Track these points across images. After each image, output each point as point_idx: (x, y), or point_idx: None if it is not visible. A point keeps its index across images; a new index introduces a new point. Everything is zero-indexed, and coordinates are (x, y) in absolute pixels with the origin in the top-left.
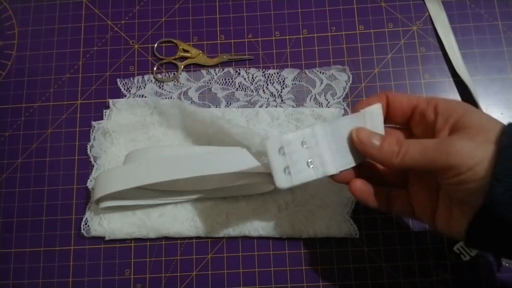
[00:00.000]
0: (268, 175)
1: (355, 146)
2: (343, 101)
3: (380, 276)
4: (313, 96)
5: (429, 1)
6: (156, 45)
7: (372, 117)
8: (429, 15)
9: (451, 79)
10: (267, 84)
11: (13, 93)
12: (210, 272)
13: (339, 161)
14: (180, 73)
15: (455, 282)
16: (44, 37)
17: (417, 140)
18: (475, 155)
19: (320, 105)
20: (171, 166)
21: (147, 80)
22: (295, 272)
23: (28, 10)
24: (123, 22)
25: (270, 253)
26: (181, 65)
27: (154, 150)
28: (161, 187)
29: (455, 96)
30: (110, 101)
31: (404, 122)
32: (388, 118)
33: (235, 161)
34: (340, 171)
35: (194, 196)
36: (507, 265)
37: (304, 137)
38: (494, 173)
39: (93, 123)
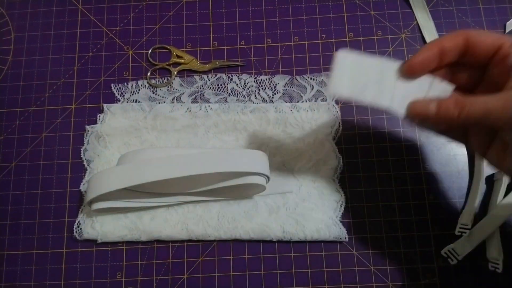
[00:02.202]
0: (261, 175)
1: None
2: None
3: (369, 279)
4: (304, 102)
5: (417, 10)
6: (150, 51)
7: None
8: (417, 23)
9: None
10: (259, 90)
11: (9, 97)
12: (201, 275)
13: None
14: (174, 79)
15: (443, 285)
16: (40, 42)
17: (478, 98)
18: None
19: (312, 110)
20: (162, 166)
21: (141, 85)
22: (285, 275)
23: (25, 16)
24: (118, 28)
25: (260, 256)
26: (175, 71)
27: (147, 152)
28: (153, 189)
29: None
30: (105, 105)
31: (483, 63)
32: (466, 59)
33: (227, 160)
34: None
35: (186, 199)
36: (493, 269)
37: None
38: None
39: (87, 127)
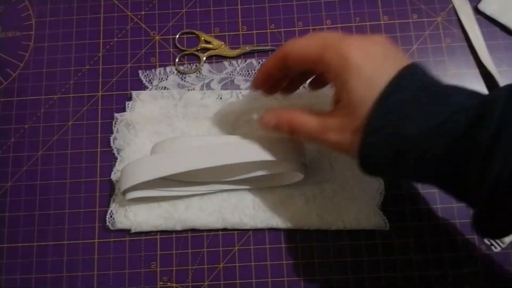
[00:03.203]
0: (297, 164)
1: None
2: None
3: (410, 268)
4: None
5: None
6: (177, 36)
7: None
8: (453, 6)
9: (477, 70)
10: None
11: (32, 85)
12: (237, 264)
13: None
14: (202, 65)
15: (486, 274)
16: (62, 28)
17: (307, 124)
18: (347, 146)
19: None
20: (198, 155)
21: (169, 72)
22: (323, 265)
23: (45, 0)
24: (143, 13)
25: (297, 245)
26: (203, 57)
27: (181, 140)
28: (188, 178)
29: (481, 87)
30: (134, 92)
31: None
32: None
33: (265, 149)
34: None
35: (221, 187)
36: None
37: None
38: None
39: (116, 115)
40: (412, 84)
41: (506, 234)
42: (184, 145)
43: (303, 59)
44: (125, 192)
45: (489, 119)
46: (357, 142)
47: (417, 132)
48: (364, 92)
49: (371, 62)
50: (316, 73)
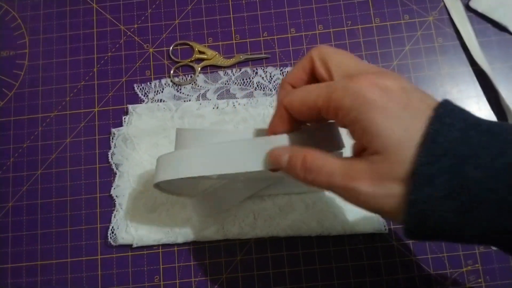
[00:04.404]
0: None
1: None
2: None
3: (411, 269)
4: None
5: None
6: (171, 48)
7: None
8: (444, 5)
9: (470, 68)
10: None
11: (28, 104)
12: (240, 274)
13: None
14: (198, 75)
15: (485, 271)
16: (56, 45)
17: (324, 167)
18: (381, 203)
19: None
20: (255, 155)
21: (165, 84)
22: (325, 270)
23: (38, 18)
24: (135, 26)
25: (299, 252)
26: (198, 67)
27: (206, 135)
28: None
29: (474, 85)
30: (130, 106)
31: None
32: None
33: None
34: None
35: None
36: None
37: None
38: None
39: (113, 130)
40: (456, 122)
41: None
42: (223, 139)
43: (308, 111)
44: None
45: None
46: (401, 196)
47: (483, 176)
48: (399, 134)
49: (394, 99)
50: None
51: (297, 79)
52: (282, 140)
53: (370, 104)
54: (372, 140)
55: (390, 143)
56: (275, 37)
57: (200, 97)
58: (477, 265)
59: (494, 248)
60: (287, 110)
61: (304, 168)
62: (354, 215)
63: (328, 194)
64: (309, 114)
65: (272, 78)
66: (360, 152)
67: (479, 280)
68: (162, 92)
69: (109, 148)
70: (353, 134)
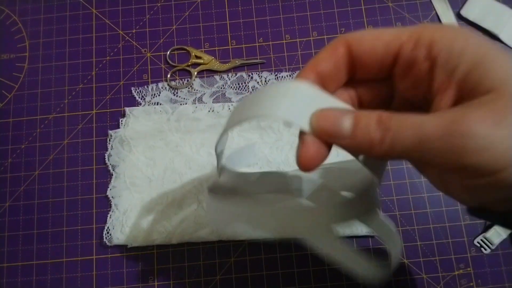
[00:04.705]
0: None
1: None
2: None
3: (403, 272)
4: None
5: None
6: (168, 52)
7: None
8: (436, 13)
9: None
10: None
11: (27, 105)
12: (233, 275)
13: None
14: (194, 80)
15: (477, 275)
16: (56, 48)
17: (409, 118)
18: (506, 149)
19: None
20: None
21: (162, 87)
22: (318, 272)
23: (38, 22)
24: (134, 31)
25: (292, 254)
26: (194, 72)
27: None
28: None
29: None
30: (127, 109)
31: (381, 77)
32: (356, 76)
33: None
34: None
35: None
36: None
37: None
38: None
39: (110, 132)
40: None
41: None
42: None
43: (382, 50)
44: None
45: None
46: None
47: None
48: None
49: (493, 46)
50: (398, 73)
51: (329, 69)
52: None
53: (475, 38)
54: (486, 75)
55: (509, 74)
56: (270, 43)
57: (196, 100)
58: (468, 269)
59: (485, 252)
60: (351, 49)
61: (383, 126)
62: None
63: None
64: (381, 58)
65: (267, 83)
66: (451, 105)
67: (471, 284)
68: (159, 95)
69: (106, 149)
70: (448, 73)
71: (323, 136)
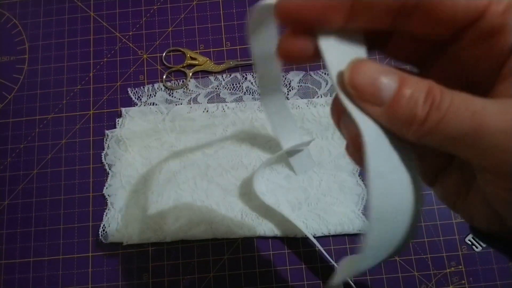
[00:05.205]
0: None
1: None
2: None
3: (395, 270)
4: (319, 97)
5: None
6: (164, 54)
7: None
8: None
9: None
10: None
11: (27, 106)
12: (227, 273)
13: None
14: (189, 80)
15: (469, 273)
16: (55, 50)
17: (466, 98)
18: None
19: (328, 105)
20: None
21: (157, 88)
22: (310, 270)
23: (38, 25)
24: (130, 33)
25: (285, 252)
26: (190, 73)
27: None
28: None
29: None
30: (123, 109)
31: (448, 39)
32: (407, 26)
33: None
34: None
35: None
36: None
37: None
38: None
39: (107, 132)
40: None
41: None
42: None
43: (459, 11)
44: None
45: None
46: None
47: None
48: None
49: None
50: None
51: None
52: None
53: None
54: None
55: None
56: None
57: (191, 101)
58: (460, 267)
59: (477, 249)
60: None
61: (431, 101)
62: (338, 216)
63: (314, 195)
64: (462, 15)
65: None
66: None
67: (463, 282)
68: (155, 96)
69: (103, 149)
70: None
71: (354, 94)
